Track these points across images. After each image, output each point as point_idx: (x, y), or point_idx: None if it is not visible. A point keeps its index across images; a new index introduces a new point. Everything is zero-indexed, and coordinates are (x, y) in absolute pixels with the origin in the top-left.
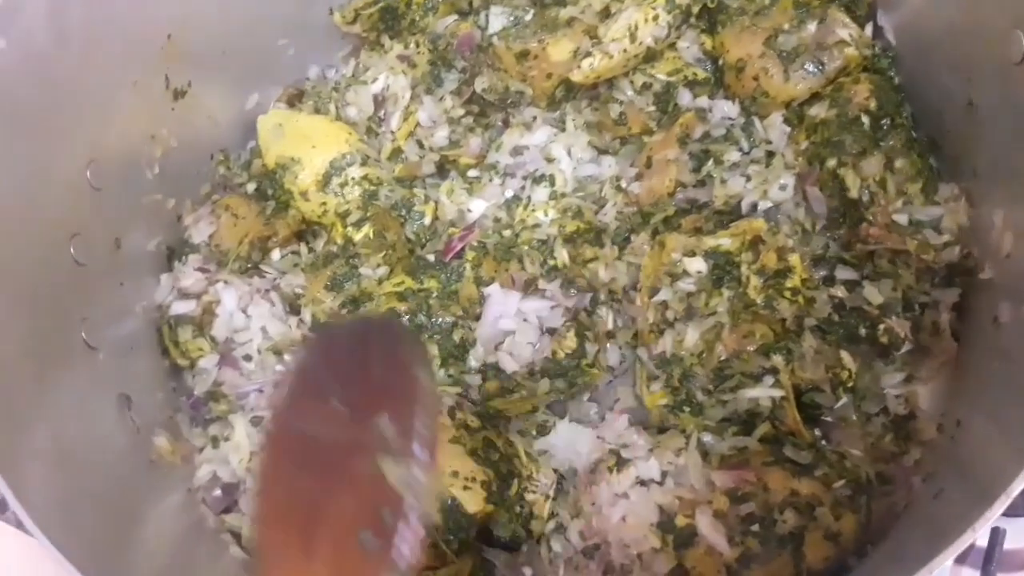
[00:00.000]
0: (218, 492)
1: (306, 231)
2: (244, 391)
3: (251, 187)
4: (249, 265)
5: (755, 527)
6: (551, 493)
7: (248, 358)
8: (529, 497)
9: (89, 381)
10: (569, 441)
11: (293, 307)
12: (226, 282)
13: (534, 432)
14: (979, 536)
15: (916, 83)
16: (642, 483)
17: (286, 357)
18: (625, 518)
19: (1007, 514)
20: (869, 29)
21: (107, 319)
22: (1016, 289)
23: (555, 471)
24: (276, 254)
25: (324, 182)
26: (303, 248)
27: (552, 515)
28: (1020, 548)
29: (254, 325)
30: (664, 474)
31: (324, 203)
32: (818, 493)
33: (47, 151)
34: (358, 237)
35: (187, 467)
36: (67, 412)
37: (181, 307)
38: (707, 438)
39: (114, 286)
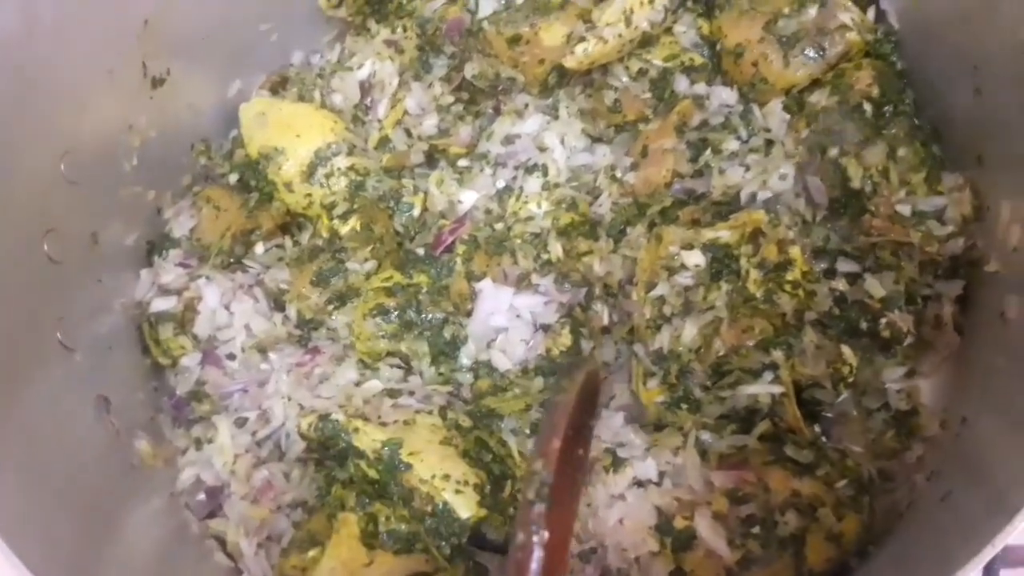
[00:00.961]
0: (202, 496)
1: (291, 224)
2: (228, 391)
3: (233, 178)
4: (232, 260)
5: (756, 529)
6: None
7: (232, 356)
8: (521, 498)
9: (65, 383)
10: None
11: (278, 303)
12: (208, 278)
13: (528, 431)
14: None
15: (920, 69)
16: (639, 484)
17: (271, 355)
18: (622, 520)
19: None
20: (871, 13)
21: (84, 318)
22: None
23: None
24: (260, 248)
25: (309, 172)
26: (288, 241)
27: None
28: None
29: (237, 322)
30: (662, 474)
31: (309, 194)
32: (820, 493)
33: (18, 143)
34: (344, 230)
35: (169, 470)
36: (41, 417)
37: (162, 304)
38: (705, 436)
39: (91, 283)
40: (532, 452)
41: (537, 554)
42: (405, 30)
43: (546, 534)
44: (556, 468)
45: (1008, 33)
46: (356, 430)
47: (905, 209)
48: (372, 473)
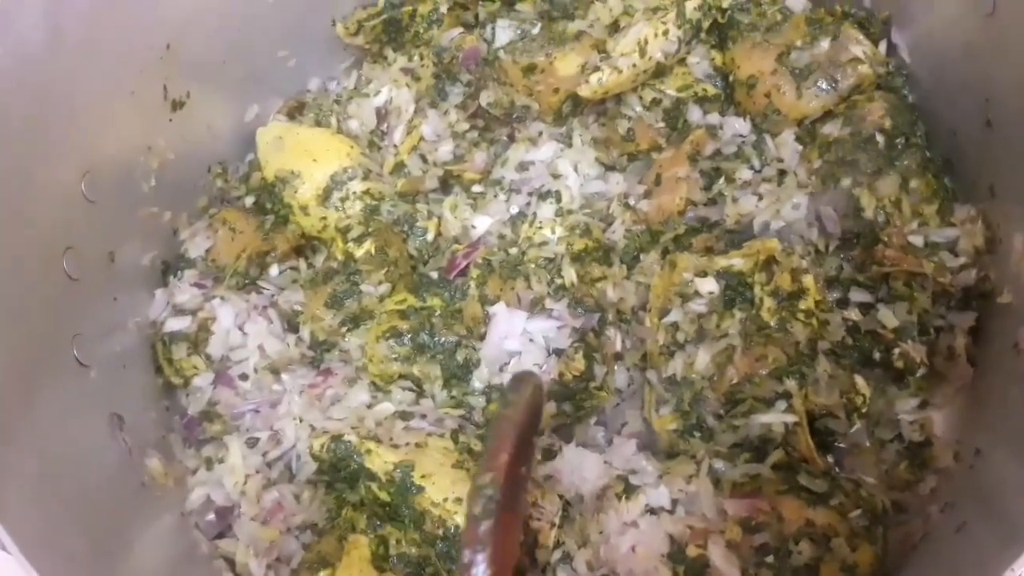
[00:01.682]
0: (211, 516)
1: (305, 246)
2: (239, 411)
3: (249, 201)
4: (247, 281)
5: (769, 559)
6: (557, 520)
7: (244, 377)
8: (534, 525)
9: (79, 400)
10: (576, 466)
11: (291, 324)
12: (223, 298)
13: (539, 456)
14: None
15: (931, 102)
16: (652, 511)
17: (283, 376)
18: (634, 548)
19: None
20: (883, 47)
21: (99, 335)
22: None
23: (561, 497)
24: (274, 270)
25: (325, 196)
26: (302, 264)
27: (558, 544)
28: None
29: (251, 343)
30: (674, 502)
31: (324, 218)
32: (834, 523)
33: (41, 162)
34: (359, 253)
35: (180, 490)
36: (55, 432)
37: (176, 323)
38: (718, 464)
39: (107, 302)
40: (479, 466)
41: (484, 572)
42: (422, 58)
43: (492, 551)
44: (503, 485)
45: (1017, 67)
46: (368, 452)
47: (918, 240)
48: (383, 495)
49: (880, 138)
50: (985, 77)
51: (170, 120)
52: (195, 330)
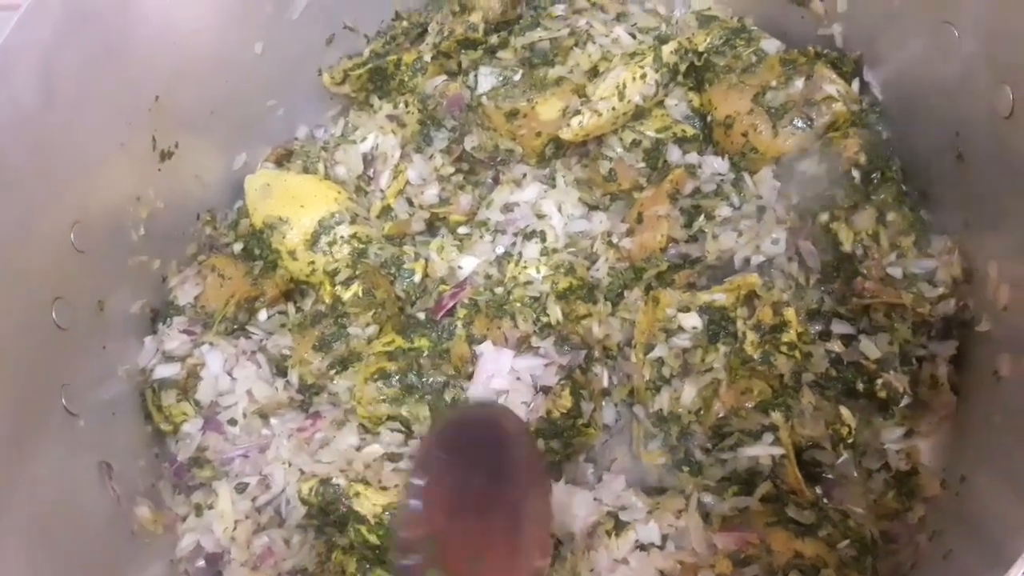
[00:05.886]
0: (201, 563)
1: (294, 291)
2: (229, 456)
3: (238, 247)
4: (235, 326)
5: None
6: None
7: (233, 422)
8: None
9: (68, 449)
10: (565, 504)
11: (280, 369)
12: (211, 344)
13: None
14: None
15: (904, 137)
16: (642, 547)
17: (272, 420)
18: None
19: None
20: (856, 85)
21: (89, 384)
22: (1015, 341)
23: (551, 535)
24: (263, 315)
25: (312, 241)
26: (291, 308)
27: None
28: None
29: (239, 388)
30: (664, 537)
31: (312, 262)
32: (823, 554)
33: (31, 212)
34: (347, 296)
35: (169, 537)
36: (44, 482)
37: (165, 370)
38: (707, 498)
39: (96, 350)
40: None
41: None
42: (407, 105)
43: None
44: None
45: (985, 101)
46: (357, 494)
47: (896, 272)
48: (373, 538)
49: (856, 173)
50: (954, 112)
51: (159, 170)
52: (184, 376)
